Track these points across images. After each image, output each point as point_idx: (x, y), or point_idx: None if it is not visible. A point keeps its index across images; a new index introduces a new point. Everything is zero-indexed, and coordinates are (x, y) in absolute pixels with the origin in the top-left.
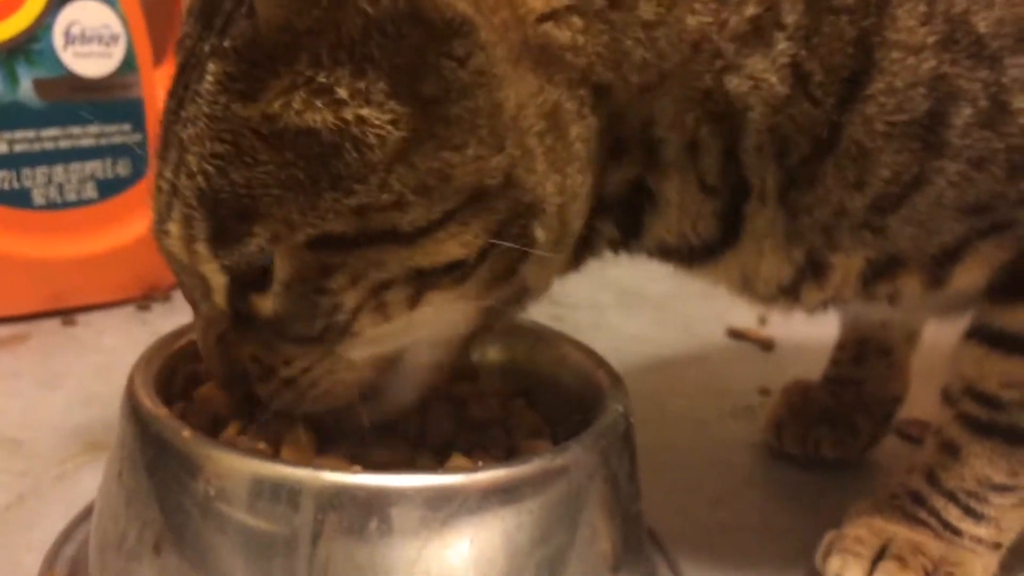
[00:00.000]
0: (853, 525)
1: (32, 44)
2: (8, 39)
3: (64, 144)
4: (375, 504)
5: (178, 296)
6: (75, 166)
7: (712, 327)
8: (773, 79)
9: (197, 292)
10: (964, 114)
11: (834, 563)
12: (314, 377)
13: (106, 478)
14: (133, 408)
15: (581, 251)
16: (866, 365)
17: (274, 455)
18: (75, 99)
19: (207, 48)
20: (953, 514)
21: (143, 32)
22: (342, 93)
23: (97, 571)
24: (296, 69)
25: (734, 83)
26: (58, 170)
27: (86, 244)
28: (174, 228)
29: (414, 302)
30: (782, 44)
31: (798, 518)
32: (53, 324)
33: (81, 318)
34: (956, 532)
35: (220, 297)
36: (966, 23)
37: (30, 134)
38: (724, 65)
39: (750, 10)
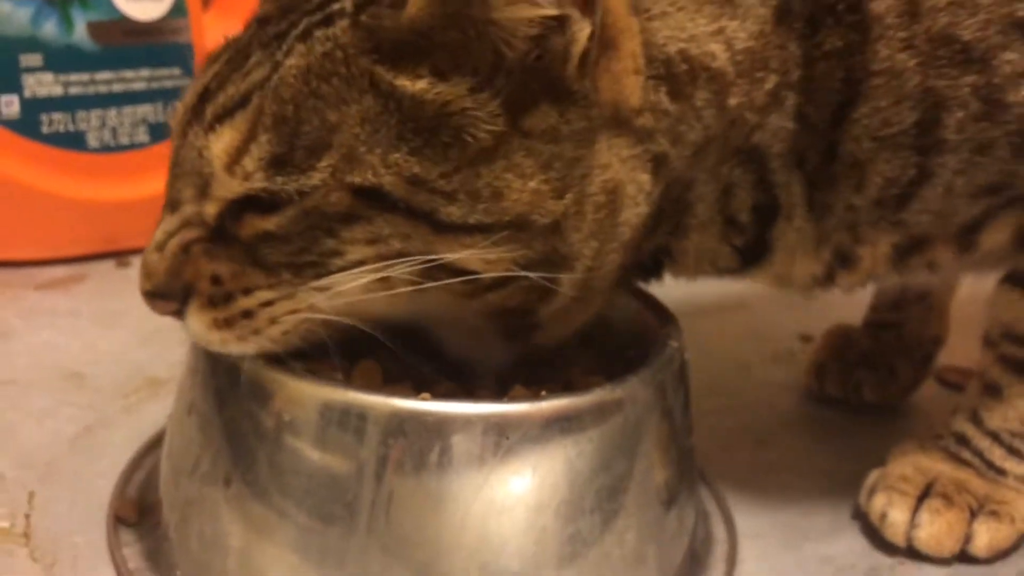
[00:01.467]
0: (898, 464)
1: None
2: None
3: (117, 88)
4: (439, 431)
5: None
6: (127, 109)
7: None
8: (788, 125)
9: (190, 192)
10: (956, 116)
11: (879, 500)
12: (272, 313)
13: (177, 407)
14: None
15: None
16: (904, 309)
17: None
18: (128, 43)
19: (337, 7)
20: (997, 454)
21: None
22: (459, 92)
23: (171, 496)
24: (421, 66)
25: (758, 136)
26: (111, 113)
27: (138, 187)
28: (229, 135)
29: (417, 289)
30: (791, 99)
31: (840, 459)
32: (107, 265)
33: (135, 259)
34: (1000, 472)
35: (215, 207)
36: (950, 36)
37: (84, 77)
38: (751, 127)
39: (769, 85)
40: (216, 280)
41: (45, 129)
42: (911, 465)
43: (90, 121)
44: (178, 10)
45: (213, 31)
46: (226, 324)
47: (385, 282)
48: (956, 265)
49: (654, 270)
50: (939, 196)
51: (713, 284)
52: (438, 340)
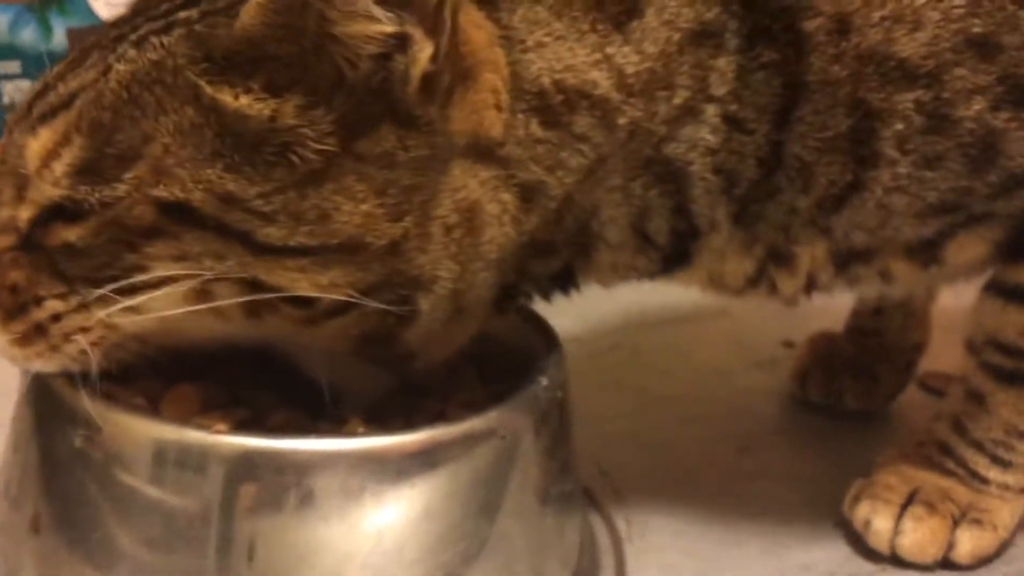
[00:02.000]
0: (881, 472)
1: None
2: None
3: None
4: (297, 471)
5: None
6: None
7: None
8: (707, 136)
9: (9, 193)
10: (895, 128)
11: (863, 508)
12: (63, 329)
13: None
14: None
15: (502, 303)
16: (886, 315)
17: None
18: None
19: (183, 15)
20: (980, 463)
21: None
22: (288, 110)
23: None
24: (253, 79)
25: (671, 148)
26: None
27: None
28: (46, 136)
29: (250, 312)
30: (711, 110)
31: (823, 466)
32: None
33: None
34: (983, 480)
35: (28, 212)
36: (882, 53)
37: None
38: (660, 138)
39: (677, 100)
40: (13, 289)
41: None
42: (895, 474)
43: None
44: None
45: None
46: (25, 340)
47: (205, 302)
48: (921, 277)
49: (566, 280)
50: (871, 211)
51: (692, 292)
52: (295, 365)
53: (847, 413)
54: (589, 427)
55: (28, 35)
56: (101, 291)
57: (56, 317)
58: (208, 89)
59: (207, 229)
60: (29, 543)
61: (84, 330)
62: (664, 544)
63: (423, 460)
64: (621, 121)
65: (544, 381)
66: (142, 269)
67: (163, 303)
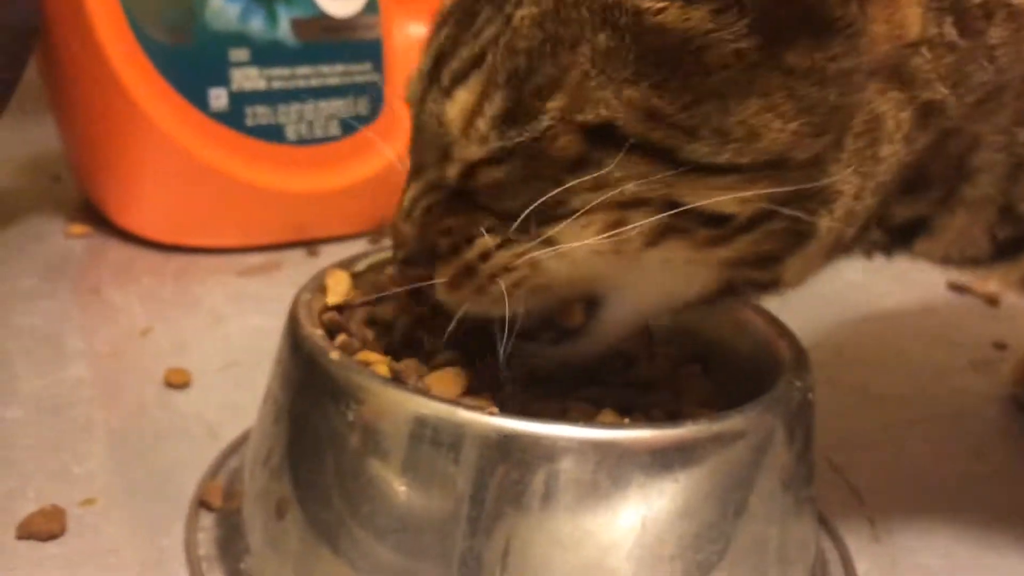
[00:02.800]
0: None
1: None
2: None
3: (315, 82)
4: (545, 456)
5: None
6: (323, 104)
7: (930, 279)
8: None
9: (432, 157)
10: None
11: None
12: (492, 267)
13: (265, 394)
14: (291, 325)
15: (850, 245)
16: None
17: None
18: (325, 39)
19: None
20: None
21: None
22: (701, 15)
23: (247, 483)
24: None
25: None
26: (308, 107)
27: (329, 179)
28: (464, 98)
29: (652, 240)
30: None
31: None
32: (299, 254)
33: (323, 249)
34: None
35: (456, 169)
36: None
37: (286, 72)
38: None
39: None
40: (448, 232)
41: (249, 122)
42: None
43: (289, 114)
44: (371, 7)
45: (399, 28)
46: (455, 281)
47: (618, 244)
48: None
49: (903, 240)
50: None
51: (886, 285)
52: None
53: None
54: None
55: (257, 24)
56: (527, 226)
57: (484, 256)
58: (628, 3)
59: (632, 150)
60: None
61: (508, 270)
62: (917, 545)
63: (687, 455)
64: None
65: (797, 382)
66: (563, 203)
67: (580, 235)
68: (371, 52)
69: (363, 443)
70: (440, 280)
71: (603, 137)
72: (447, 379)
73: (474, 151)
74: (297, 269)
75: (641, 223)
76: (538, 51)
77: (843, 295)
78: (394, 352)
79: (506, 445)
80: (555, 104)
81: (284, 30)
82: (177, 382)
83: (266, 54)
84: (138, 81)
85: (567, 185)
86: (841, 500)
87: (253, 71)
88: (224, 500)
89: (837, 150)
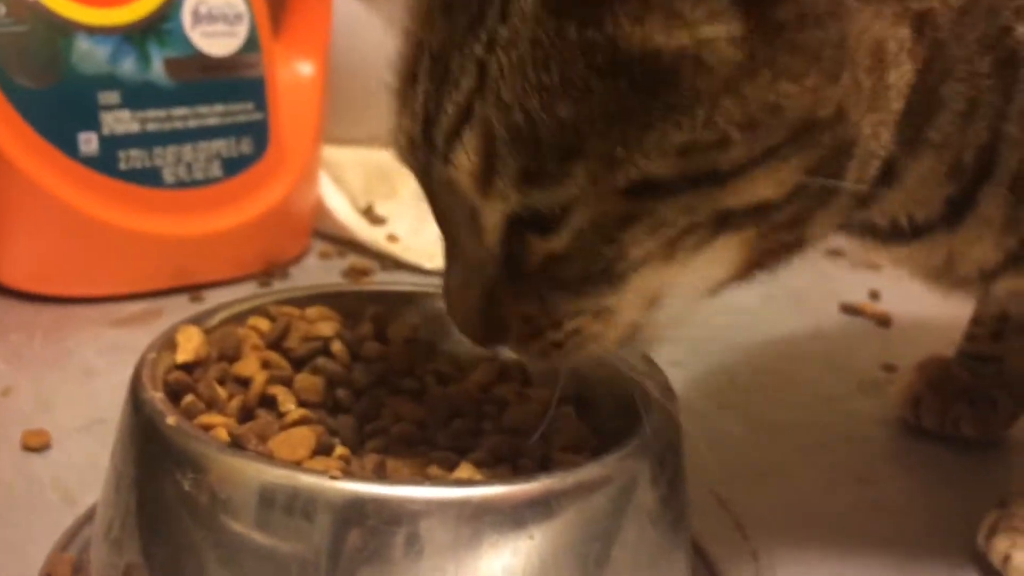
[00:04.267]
0: (1019, 503)
1: (163, 24)
2: (140, 19)
3: (192, 123)
4: (407, 520)
5: (296, 272)
6: (202, 145)
7: (824, 303)
8: None
9: (463, 228)
10: None
11: (1002, 542)
12: (580, 341)
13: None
14: (133, 386)
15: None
16: (1005, 342)
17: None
18: (203, 79)
19: None
20: None
21: (264, 11)
22: (691, 9)
23: (93, 557)
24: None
25: (1020, 31)
26: (187, 149)
27: (212, 221)
28: (466, 159)
29: (702, 246)
30: None
31: (947, 497)
32: (182, 300)
33: (208, 294)
34: None
35: (492, 237)
36: None
37: (161, 113)
38: (1018, 6)
39: None
40: (527, 319)
41: (123, 166)
42: None
43: (166, 157)
44: (251, 45)
45: (281, 65)
46: (543, 354)
47: (670, 265)
48: None
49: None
50: None
51: (783, 310)
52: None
53: (962, 441)
54: (701, 454)
55: (128, 66)
56: (609, 294)
57: (575, 331)
58: (603, 37)
59: (676, 190)
60: None
61: (596, 337)
62: None
63: (540, 510)
64: None
65: (658, 424)
66: (622, 257)
67: (648, 277)
68: (253, 91)
69: (211, 508)
70: (521, 353)
71: (644, 189)
72: (294, 440)
73: (499, 210)
74: (179, 316)
75: (699, 246)
76: (531, 104)
77: (738, 322)
78: (249, 411)
79: (351, 509)
80: (580, 168)
81: (158, 71)
82: (35, 444)
83: (139, 96)
84: (1, 127)
85: (623, 243)
86: (725, 535)
87: (125, 114)
88: (74, 574)
89: (855, 93)
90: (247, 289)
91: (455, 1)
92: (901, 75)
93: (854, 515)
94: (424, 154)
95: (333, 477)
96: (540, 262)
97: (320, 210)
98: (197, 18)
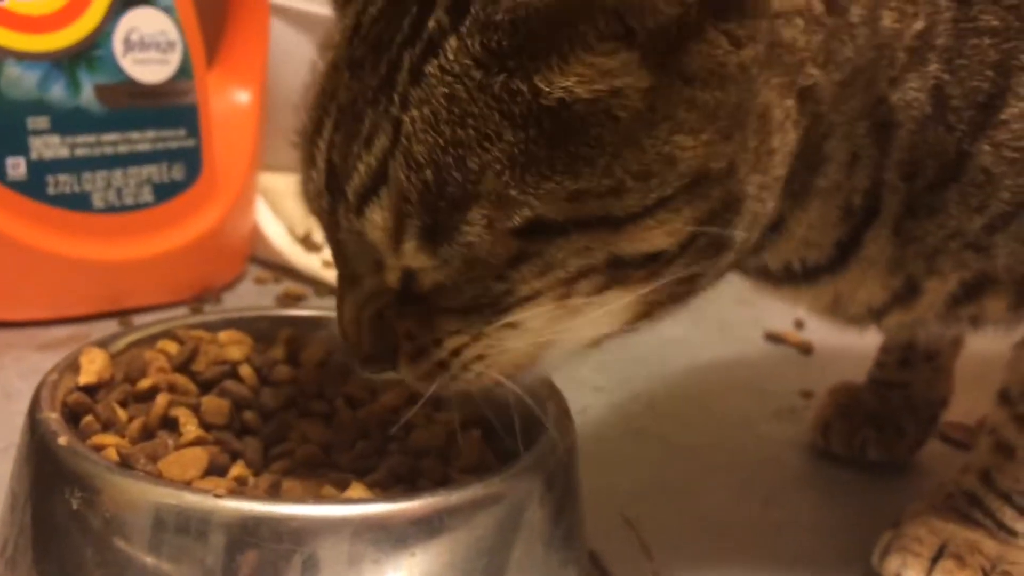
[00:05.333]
0: (911, 525)
1: (93, 51)
2: (70, 45)
3: (123, 149)
4: (299, 538)
5: (230, 297)
6: (133, 170)
7: (749, 331)
8: (923, 98)
9: (365, 267)
10: None
11: (893, 562)
12: (463, 360)
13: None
14: (31, 407)
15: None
16: (911, 369)
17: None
18: (134, 105)
19: (432, 23)
20: (1008, 515)
21: (198, 39)
22: (610, 63)
23: None
24: (577, 37)
25: (896, 96)
26: (117, 174)
27: (142, 247)
28: (379, 217)
29: (595, 294)
30: (932, 65)
31: (849, 518)
32: (110, 325)
33: (137, 319)
34: (1011, 532)
35: (394, 275)
36: None
37: (91, 139)
38: (893, 76)
39: (918, 25)
40: (410, 336)
41: (51, 191)
42: (924, 526)
43: (95, 182)
44: (183, 72)
45: (216, 92)
46: (429, 376)
47: (564, 306)
48: (1000, 319)
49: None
50: None
51: (709, 338)
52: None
53: (870, 465)
54: (613, 477)
55: (57, 91)
56: (492, 322)
57: (456, 352)
58: (524, 87)
59: (568, 233)
60: None
61: (480, 358)
62: None
63: (423, 528)
64: (885, 23)
65: (549, 445)
66: (512, 292)
67: (538, 315)
68: (186, 118)
69: (103, 528)
70: (408, 373)
71: (535, 231)
72: (185, 460)
73: (404, 263)
74: None
75: (590, 289)
76: (442, 160)
77: (663, 349)
78: (151, 432)
79: (239, 528)
80: (477, 215)
81: (88, 97)
82: None
83: (68, 121)
84: None
85: (512, 280)
86: (630, 555)
87: (54, 139)
88: None
89: (743, 152)
90: (178, 315)
91: (365, 60)
92: (785, 142)
93: (757, 535)
94: (329, 203)
95: (217, 496)
96: (431, 287)
97: (257, 236)
98: (129, 45)
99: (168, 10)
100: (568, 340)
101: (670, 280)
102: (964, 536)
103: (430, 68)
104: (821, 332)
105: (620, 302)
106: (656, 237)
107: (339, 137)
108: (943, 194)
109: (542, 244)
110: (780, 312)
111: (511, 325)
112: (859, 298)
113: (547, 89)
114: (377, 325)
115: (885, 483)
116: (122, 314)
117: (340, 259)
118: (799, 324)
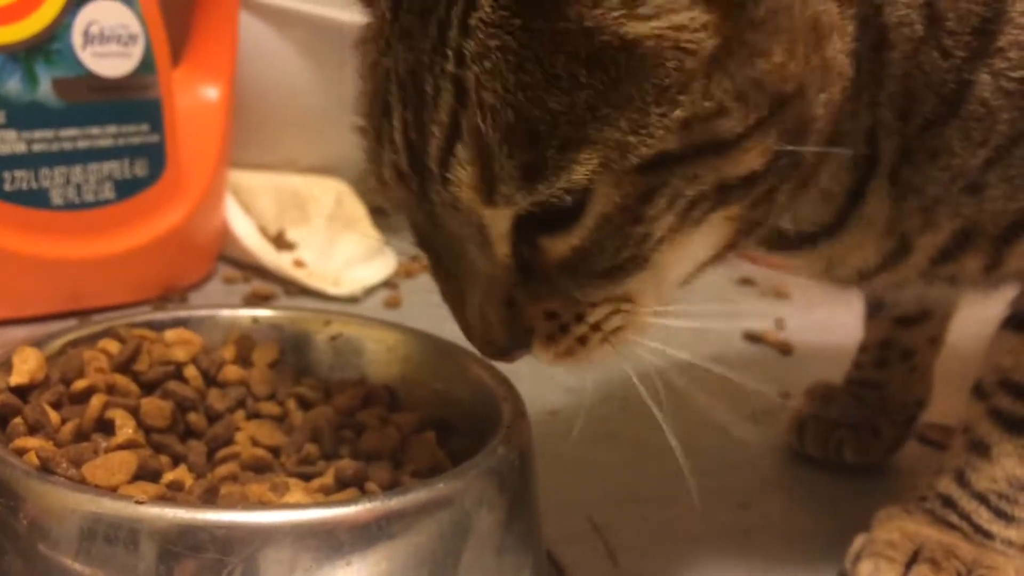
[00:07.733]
0: (884, 529)
1: (51, 44)
2: (27, 38)
3: (82, 144)
4: (239, 546)
5: (197, 296)
6: (93, 166)
7: (728, 331)
8: (914, 16)
9: (474, 249)
10: None
11: (866, 567)
12: (604, 334)
13: None
14: None
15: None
16: (888, 369)
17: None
18: (94, 99)
19: None
20: (984, 516)
21: (161, 33)
22: (653, 2)
23: None
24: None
25: (887, 12)
26: (76, 170)
27: (104, 244)
28: (464, 173)
29: (703, 220)
30: None
31: (823, 521)
32: (70, 325)
33: (99, 319)
34: (987, 535)
35: (503, 247)
36: None
37: (49, 134)
38: None
39: None
40: (551, 315)
41: (8, 187)
42: (897, 530)
43: (54, 178)
44: (146, 66)
45: (183, 87)
46: (569, 353)
47: (679, 235)
48: (977, 280)
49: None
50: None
51: (687, 338)
52: None
53: (846, 467)
54: (584, 480)
55: (13, 85)
56: (637, 274)
57: (596, 325)
58: (575, 25)
59: (684, 161)
60: None
61: (619, 327)
62: None
63: (360, 535)
64: None
65: (500, 448)
66: (649, 236)
67: (668, 256)
68: (148, 113)
69: (29, 535)
70: (544, 354)
71: (657, 163)
72: (112, 465)
73: (508, 217)
74: None
75: (705, 218)
76: (522, 100)
77: (637, 349)
78: (85, 435)
79: (164, 535)
80: (587, 156)
81: (45, 91)
82: None
83: (25, 116)
84: None
85: (648, 220)
86: (596, 561)
87: (11, 134)
88: None
89: (808, 70)
90: (142, 314)
91: (413, 28)
92: (837, 50)
93: (728, 540)
94: (417, 182)
95: (139, 503)
96: (558, 261)
97: (226, 235)
98: (88, 38)
99: (130, 2)
100: (675, 278)
101: (758, 199)
102: (939, 540)
103: (473, 21)
104: (801, 332)
105: (719, 226)
106: (753, 159)
107: (410, 113)
108: (944, 132)
109: (666, 174)
110: (761, 312)
111: (651, 274)
112: (851, 261)
113: (592, 30)
114: (507, 314)
115: (861, 486)
116: (83, 314)
117: (435, 262)
118: (779, 324)
